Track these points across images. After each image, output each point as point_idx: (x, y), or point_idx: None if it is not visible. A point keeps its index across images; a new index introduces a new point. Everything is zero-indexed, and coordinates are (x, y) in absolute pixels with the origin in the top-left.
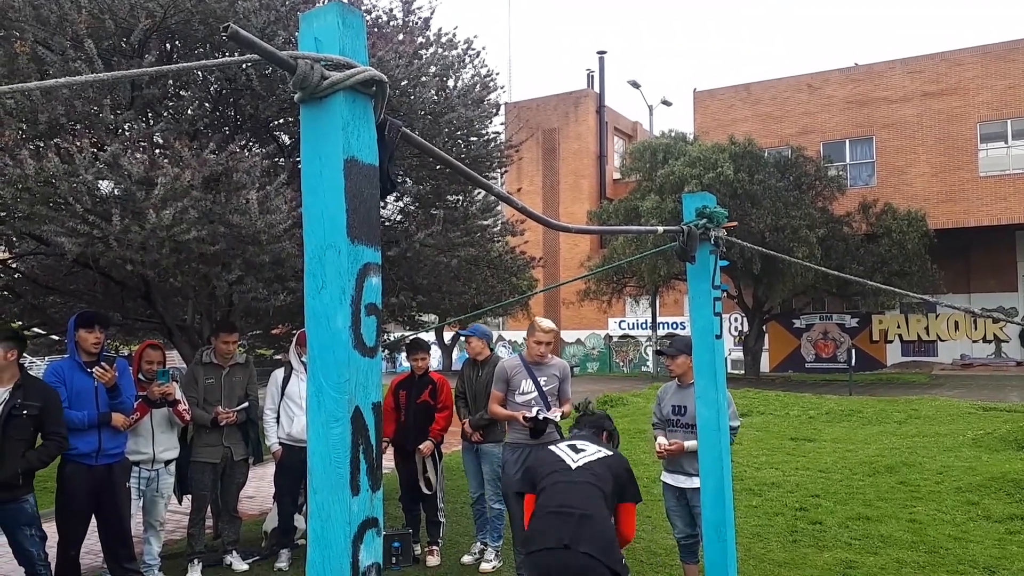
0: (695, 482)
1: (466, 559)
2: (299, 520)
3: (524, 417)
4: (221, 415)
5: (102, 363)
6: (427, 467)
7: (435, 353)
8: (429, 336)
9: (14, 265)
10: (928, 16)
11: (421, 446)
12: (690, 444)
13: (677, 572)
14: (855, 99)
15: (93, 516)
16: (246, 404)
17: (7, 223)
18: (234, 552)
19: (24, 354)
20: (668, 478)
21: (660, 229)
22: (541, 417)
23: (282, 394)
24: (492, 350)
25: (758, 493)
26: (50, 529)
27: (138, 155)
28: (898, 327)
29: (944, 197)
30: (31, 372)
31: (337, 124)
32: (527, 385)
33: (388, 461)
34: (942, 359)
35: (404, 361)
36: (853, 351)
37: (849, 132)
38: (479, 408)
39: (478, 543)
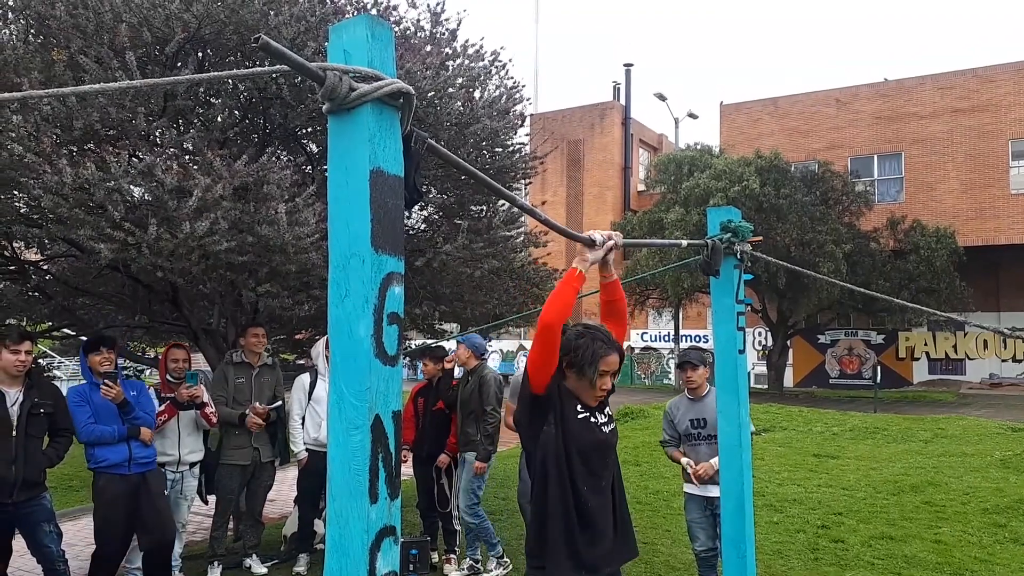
0: (719, 490)
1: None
2: (319, 525)
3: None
4: (256, 410)
5: (106, 381)
6: (443, 477)
7: None
8: (450, 344)
9: (45, 267)
10: (960, 33)
11: (438, 460)
12: (715, 462)
13: None
14: (884, 114)
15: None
16: (279, 403)
17: (42, 227)
18: (254, 555)
19: (53, 353)
20: (692, 488)
21: (684, 242)
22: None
23: (308, 398)
24: (484, 361)
25: (779, 509)
26: (69, 529)
27: (171, 164)
28: (925, 344)
29: (974, 214)
30: (58, 372)
31: (364, 135)
32: None
33: (406, 468)
34: (970, 378)
35: None
36: (878, 368)
37: (877, 147)
38: (463, 416)
39: (468, 560)
